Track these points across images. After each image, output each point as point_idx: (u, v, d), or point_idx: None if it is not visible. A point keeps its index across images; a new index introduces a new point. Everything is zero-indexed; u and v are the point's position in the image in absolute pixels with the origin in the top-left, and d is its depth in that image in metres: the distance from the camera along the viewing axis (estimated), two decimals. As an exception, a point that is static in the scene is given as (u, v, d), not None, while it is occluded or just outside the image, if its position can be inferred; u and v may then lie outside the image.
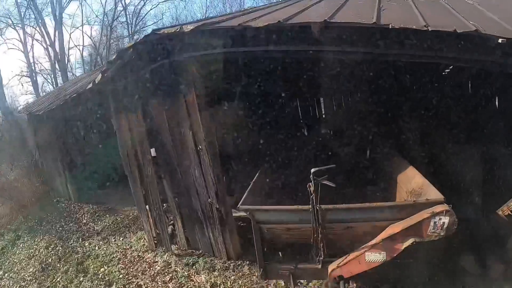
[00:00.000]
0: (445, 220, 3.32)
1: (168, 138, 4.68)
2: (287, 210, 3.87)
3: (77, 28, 21.32)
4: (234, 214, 4.68)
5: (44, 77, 22.13)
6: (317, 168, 3.51)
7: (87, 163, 8.30)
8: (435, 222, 3.36)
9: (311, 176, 3.49)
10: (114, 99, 5.21)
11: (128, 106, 5.09)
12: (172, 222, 5.24)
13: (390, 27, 3.31)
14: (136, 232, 6.00)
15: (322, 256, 3.95)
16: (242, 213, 4.08)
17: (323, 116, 7.82)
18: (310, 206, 3.58)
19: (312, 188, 3.51)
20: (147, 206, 5.14)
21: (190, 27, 3.94)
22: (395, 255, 3.59)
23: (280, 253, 4.41)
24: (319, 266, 4.01)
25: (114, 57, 4.77)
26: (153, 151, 4.77)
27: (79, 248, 5.99)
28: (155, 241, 5.41)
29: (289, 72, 6.51)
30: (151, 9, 23.59)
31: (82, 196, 7.99)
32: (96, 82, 4.87)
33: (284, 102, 7.58)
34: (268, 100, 7.40)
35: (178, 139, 4.62)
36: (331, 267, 3.90)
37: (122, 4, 21.78)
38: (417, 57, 3.61)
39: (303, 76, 6.69)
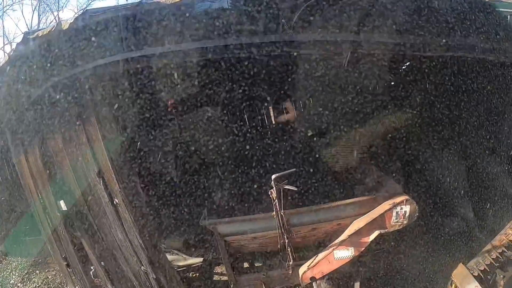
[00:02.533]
0: (406, 209, 3.32)
1: (75, 186, 3.48)
2: (251, 219, 3.76)
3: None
4: (183, 263, 3.93)
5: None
6: (278, 174, 3.36)
7: (12, 206, 6.65)
8: (397, 212, 3.35)
9: (272, 182, 3.35)
10: (11, 135, 3.84)
11: (27, 143, 3.76)
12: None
13: None
14: (70, 296, 4.94)
15: (291, 260, 3.79)
16: (193, 261, 3.48)
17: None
18: (274, 212, 3.46)
19: (274, 195, 3.38)
20: (69, 269, 4.00)
21: (69, 21, 2.83)
22: (362, 249, 3.55)
23: (248, 263, 4.17)
24: (290, 271, 3.85)
25: None
26: (62, 204, 3.59)
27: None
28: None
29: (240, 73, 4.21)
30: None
31: (9, 247, 6.50)
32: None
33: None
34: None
35: (87, 188, 3.42)
36: (301, 270, 3.76)
37: (54, 16, 17.36)
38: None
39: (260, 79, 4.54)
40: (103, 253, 3.68)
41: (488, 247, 2.87)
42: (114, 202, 3.23)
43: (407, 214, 3.30)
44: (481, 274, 2.71)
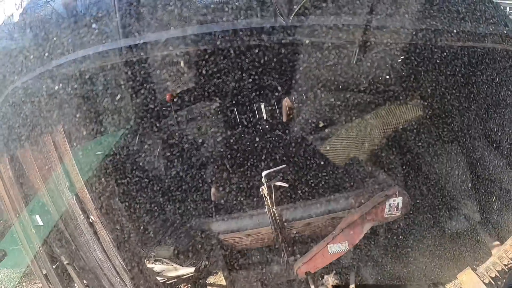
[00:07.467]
0: (399, 200, 3.23)
1: (48, 202, 3.08)
2: (244, 217, 3.65)
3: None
4: (174, 274, 3.66)
5: None
6: (268, 171, 3.26)
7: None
8: (390, 204, 3.25)
9: (263, 179, 3.24)
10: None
11: None
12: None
13: None
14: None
15: (286, 256, 3.70)
16: (184, 271, 3.23)
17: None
18: (266, 209, 3.37)
19: (266, 191, 3.29)
20: (50, 286, 3.61)
21: (19, 13, 2.62)
22: (356, 242, 3.48)
23: (243, 260, 3.93)
24: (285, 267, 3.76)
25: None
26: (38, 219, 3.19)
27: None
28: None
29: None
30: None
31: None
32: None
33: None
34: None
35: (61, 204, 3.01)
36: (296, 265, 3.67)
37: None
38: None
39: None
40: (85, 271, 3.33)
41: (499, 252, 2.70)
42: (90, 220, 2.85)
43: (400, 206, 3.20)
44: (492, 281, 2.55)
